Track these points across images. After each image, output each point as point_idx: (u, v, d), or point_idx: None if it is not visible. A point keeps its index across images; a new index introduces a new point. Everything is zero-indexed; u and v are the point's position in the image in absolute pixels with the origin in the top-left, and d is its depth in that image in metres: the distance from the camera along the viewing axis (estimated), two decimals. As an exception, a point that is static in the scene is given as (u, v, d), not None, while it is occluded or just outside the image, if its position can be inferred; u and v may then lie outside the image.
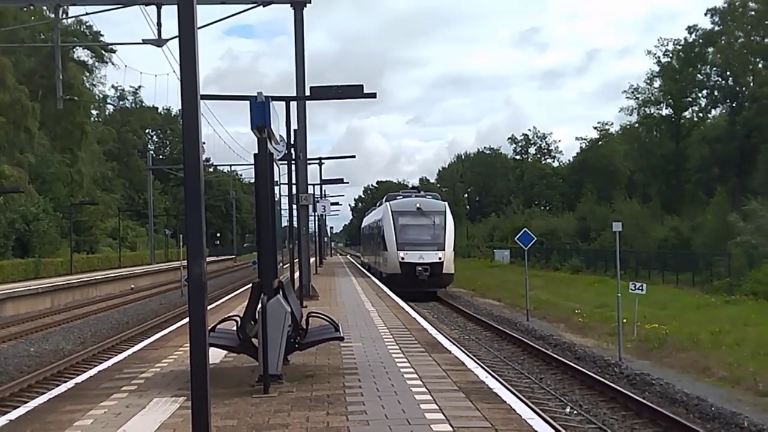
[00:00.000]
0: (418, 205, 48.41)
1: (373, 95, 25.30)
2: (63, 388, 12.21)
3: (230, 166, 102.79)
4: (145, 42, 31.60)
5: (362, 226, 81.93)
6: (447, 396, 10.47)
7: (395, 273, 44.87)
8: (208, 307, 6.85)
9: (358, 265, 70.34)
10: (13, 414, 10.40)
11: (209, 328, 9.98)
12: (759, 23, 74.02)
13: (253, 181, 12.64)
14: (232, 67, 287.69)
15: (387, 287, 35.86)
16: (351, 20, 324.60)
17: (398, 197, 53.52)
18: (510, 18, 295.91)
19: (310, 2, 30.66)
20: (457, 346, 15.85)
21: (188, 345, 6.22)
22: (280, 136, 21.54)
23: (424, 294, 43.31)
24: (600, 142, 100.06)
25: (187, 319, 6.60)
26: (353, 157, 67.07)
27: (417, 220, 47.15)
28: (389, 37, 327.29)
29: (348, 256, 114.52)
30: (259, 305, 11.28)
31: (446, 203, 50.60)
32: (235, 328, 12.03)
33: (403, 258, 44.86)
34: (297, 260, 27.96)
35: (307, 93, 28.06)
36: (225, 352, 13.19)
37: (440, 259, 44.84)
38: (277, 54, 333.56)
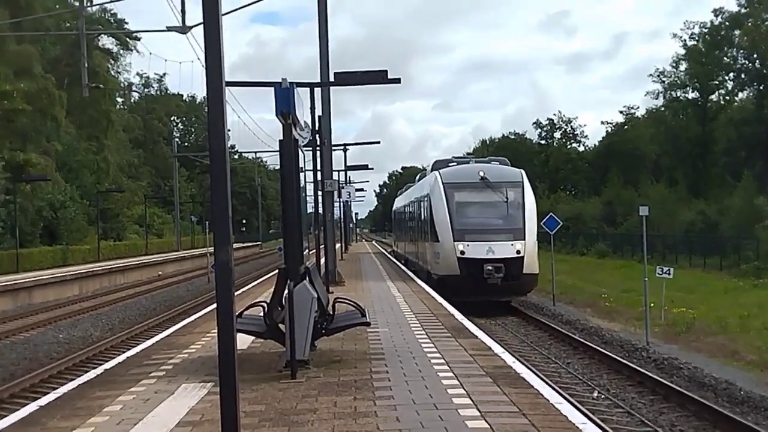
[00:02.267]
0: (482, 174, 32.88)
1: (397, 80, 25.28)
2: (92, 374, 12.29)
3: (255, 152, 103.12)
4: (169, 29, 31.68)
5: (395, 207, 64.72)
6: (474, 381, 10.46)
7: (451, 275, 30.73)
8: (235, 294, 6.88)
9: (389, 256, 57.74)
10: (44, 400, 10.47)
11: (236, 314, 10.03)
12: (787, 4, 73.26)
13: (278, 167, 12.66)
14: (259, 54, 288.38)
15: (439, 294, 24.38)
16: (377, 6, 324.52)
17: (451, 164, 37.34)
18: (537, 1, 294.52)
19: (334, -12, 30.58)
20: (483, 331, 15.82)
21: (215, 331, 6.25)
22: (305, 122, 21.52)
23: (493, 304, 31.15)
24: (626, 126, 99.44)
25: (214, 306, 6.64)
26: (378, 143, 68.84)
27: (482, 195, 32.43)
28: (415, 22, 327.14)
29: (373, 242, 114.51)
30: (286, 291, 11.30)
31: (522, 171, 34.59)
32: (262, 314, 12.06)
33: (463, 252, 30.64)
34: (323, 246, 28.00)
35: (332, 79, 28.04)
36: (252, 337, 13.22)
37: (519, 252, 30.48)
38: (303, 40, 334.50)
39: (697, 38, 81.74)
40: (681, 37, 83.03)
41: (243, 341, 13.34)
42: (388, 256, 58.50)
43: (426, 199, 35.43)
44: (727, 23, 79.00)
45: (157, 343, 15.49)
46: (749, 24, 75.90)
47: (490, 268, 30.00)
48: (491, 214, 32.09)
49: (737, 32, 78.09)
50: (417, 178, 50.89)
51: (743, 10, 77.05)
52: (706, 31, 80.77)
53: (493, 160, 39.35)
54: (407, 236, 48.50)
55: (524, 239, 30.84)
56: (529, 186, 33.18)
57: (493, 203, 32.25)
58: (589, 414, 13.27)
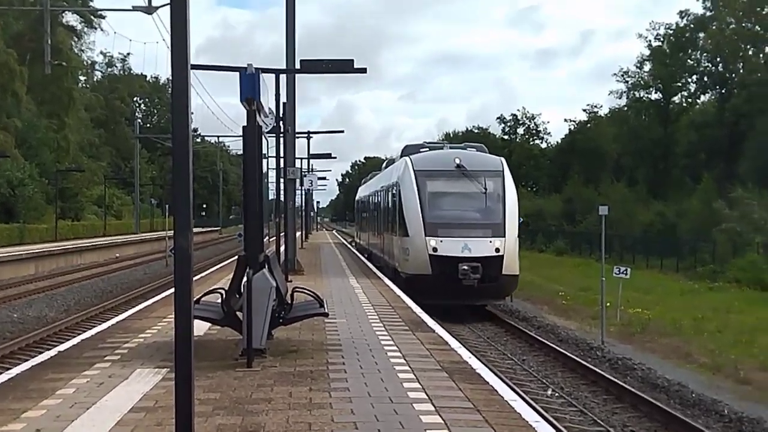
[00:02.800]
0: (458, 161, 29.49)
1: (363, 70, 25.20)
2: (46, 355, 12.17)
3: (218, 137, 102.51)
4: (135, 9, 31.49)
5: (358, 197, 61.30)
6: (430, 375, 10.46)
7: (421, 274, 27.55)
8: (193, 279, 6.82)
9: (351, 248, 55.11)
10: (-5, 381, 10.35)
11: (194, 300, 9.96)
12: (750, 10, 74.03)
13: (240, 153, 12.61)
14: (226, 37, 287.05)
15: (407, 295, 21.74)
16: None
17: (423, 150, 34.14)
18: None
19: (303, -25, 30.48)
20: (440, 325, 15.84)
21: (172, 316, 6.18)
22: (269, 108, 21.46)
23: (466, 309, 28.63)
24: (589, 125, 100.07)
25: (171, 290, 6.58)
26: (342, 132, 68.71)
27: (458, 185, 29.17)
28: (384, 12, 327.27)
29: (334, 232, 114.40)
30: (245, 279, 11.25)
31: (503, 159, 31.25)
32: (219, 301, 11.99)
33: (435, 249, 27.45)
34: (283, 234, 27.91)
35: (298, 66, 27.93)
36: (209, 324, 13.15)
37: (498, 251, 27.39)
38: (271, 26, 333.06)
39: (662, 39, 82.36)
40: (646, 37, 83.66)
41: (200, 328, 13.27)
42: (350, 247, 56.14)
43: (394, 188, 31.64)
44: (692, 26, 79.64)
45: (113, 326, 15.36)
46: (714, 27, 76.60)
47: (465, 267, 26.67)
48: (468, 207, 28.73)
49: (702, 35, 78.75)
50: (384, 165, 47.19)
51: (708, 13, 77.72)
52: (671, 32, 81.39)
53: (469, 146, 35.36)
54: (372, 228, 44.33)
55: (504, 236, 27.61)
56: (510, 176, 29.65)
57: (470, 194, 28.81)
58: (542, 412, 13.34)
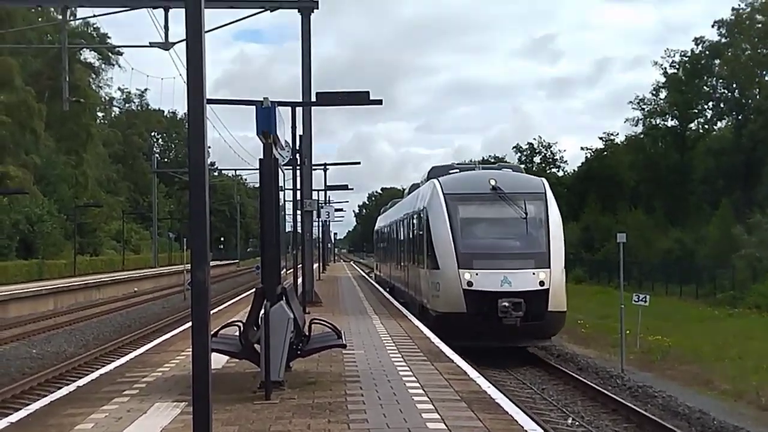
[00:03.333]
0: (493, 183, 26.06)
1: (378, 102, 25.26)
2: (64, 391, 12.19)
3: (235, 170, 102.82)
4: (152, 45, 31.61)
5: (378, 227, 57.07)
6: (449, 405, 10.43)
7: (455, 312, 24.11)
8: (211, 312, 6.83)
9: (370, 279, 53.19)
10: (15, 416, 10.37)
11: (212, 333, 9.97)
12: (766, 35, 73.91)
13: (257, 185, 12.64)
14: (243, 71, 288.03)
15: (438, 336, 19.18)
16: (361, 27, 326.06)
17: (452, 171, 30.25)
18: (522, 26, 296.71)
19: (317, 8, 30.65)
20: (459, 355, 15.79)
21: (190, 350, 6.19)
22: (286, 141, 21.55)
23: (506, 351, 24.95)
24: (605, 153, 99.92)
25: (189, 324, 6.58)
26: (358, 163, 68.59)
27: (494, 210, 25.83)
28: (399, 44, 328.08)
29: (351, 263, 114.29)
30: (262, 311, 11.25)
31: (544, 180, 28.07)
32: (237, 334, 12.00)
33: (470, 284, 24.04)
34: (300, 266, 27.94)
35: (314, 99, 28.03)
36: (227, 357, 13.14)
37: (543, 284, 24.06)
38: (287, 59, 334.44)
39: (677, 67, 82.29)
40: (662, 65, 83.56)
41: (218, 361, 13.26)
42: (369, 279, 54.63)
43: (421, 214, 27.96)
44: (707, 52, 79.57)
45: (131, 360, 15.38)
46: (729, 54, 76.49)
47: (506, 304, 23.26)
48: (506, 234, 25.41)
49: (717, 61, 78.67)
50: (407, 190, 42.46)
51: (723, 40, 77.64)
52: (686, 59, 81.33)
53: (503, 166, 32.23)
54: (394, 260, 40.21)
55: (549, 267, 24.21)
56: (554, 199, 26.34)
57: (509, 220, 25.44)
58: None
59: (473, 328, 23.53)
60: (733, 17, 75.98)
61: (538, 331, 24.54)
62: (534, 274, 24.04)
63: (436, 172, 30.09)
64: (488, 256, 24.46)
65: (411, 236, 31.44)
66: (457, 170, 30.13)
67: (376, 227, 59.27)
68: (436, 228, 25.66)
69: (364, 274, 64.35)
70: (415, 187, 36.16)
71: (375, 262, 65.59)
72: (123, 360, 15.66)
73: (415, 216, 30.09)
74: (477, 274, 23.95)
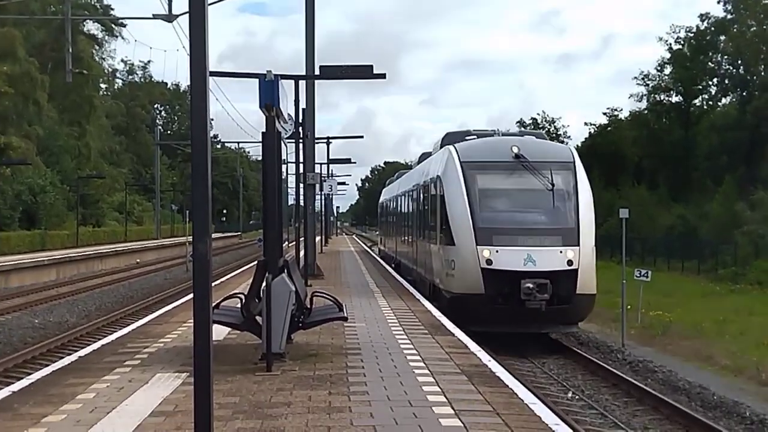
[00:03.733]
0: (516, 150, 23.24)
1: (382, 76, 25.22)
2: (66, 360, 12.24)
3: (238, 143, 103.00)
4: (155, 17, 31.62)
5: (383, 199, 53.52)
6: (449, 379, 10.47)
7: (472, 293, 21.54)
8: (213, 284, 6.86)
9: (374, 255, 50.86)
10: (17, 386, 10.42)
11: (213, 305, 10.02)
12: (772, 12, 73.61)
13: (260, 158, 12.65)
14: (248, 44, 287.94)
15: (452, 320, 17.41)
16: (366, 1, 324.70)
17: (468, 138, 27.30)
18: (528, 0, 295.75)
19: (321, -20, 30.54)
20: (460, 328, 15.83)
21: (192, 321, 6.22)
22: (289, 114, 21.56)
23: (528, 337, 22.76)
24: (609, 128, 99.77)
25: (191, 295, 6.61)
26: (361, 137, 67.19)
27: (518, 180, 23.20)
28: (404, 18, 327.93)
29: (354, 237, 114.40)
30: (264, 283, 11.28)
31: (572, 148, 27.12)
32: (239, 306, 12.05)
33: (490, 262, 21.44)
34: (302, 239, 27.99)
35: (317, 72, 27.99)
36: (228, 329, 13.19)
37: (571, 263, 21.47)
38: (291, 32, 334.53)
39: (682, 42, 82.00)
40: (666, 41, 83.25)
41: (219, 332, 13.31)
42: (372, 254, 52.37)
43: (434, 185, 25.16)
44: (712, 29, 79.26)
45: (133, 331, 15.43)
46: (734, 30, 76.21)
47: (530, 285, 20.59)
48: (531, 207, 22.69)
49: (723, 38, 78.39)
50: (417, 160, 39.12)
51: (729, 16, 77.33)
52: (691, 35, 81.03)
53: (525, 133, 30.53)
54: (401, 235, 37.17)
55: (578, 244, 21.57)
56: (583, 169, 23.70)
57: (534, 192, 22.74)
58: (562, 415, 13.30)
59: (493, 312, 21.01)
60: (739, -7, 75.65)
61: (565, 316, 21.88)
62: (561, 252, 21.40)
63: (450, 139, 27.04)
64: (510, 231, 21.78)
65: (422, 209, 28.51)
66: (475, 137, 27.01)
67: (380, 200, 55.63)
68: (451, 200, 22.86)
69: (367, 249, 63.13)
70: (425, 156, 33.18)
71: (379, 237, 61.89)
72: (125, 330, 15.72)
73: (426, 187, 27.13)
74: (497, 252, 21.24)
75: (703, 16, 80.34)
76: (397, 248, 39.26)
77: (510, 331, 21.51)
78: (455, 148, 24.14)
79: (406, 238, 34.19)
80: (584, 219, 22.25)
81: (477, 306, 21.05)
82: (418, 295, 22.74)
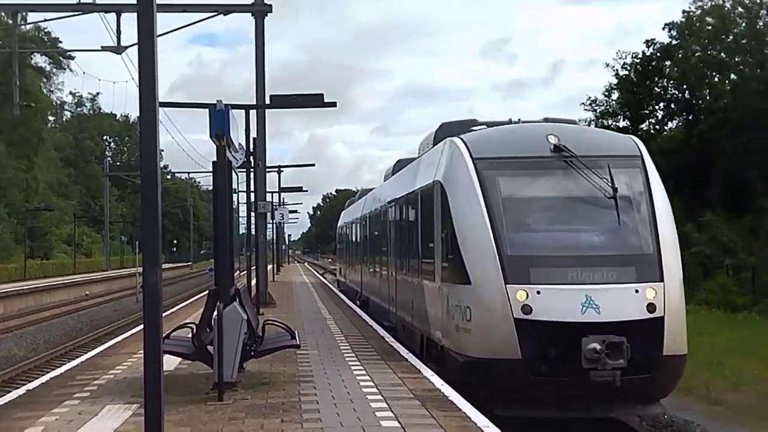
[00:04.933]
0: (554, 140, 15.13)
1: (333, 104, 25.33)
2: (14, 394, 12.07)
3: (189, 173, 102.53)
4: (104, 49, 31.42)
5: (344, 222, 44.81)
6: (403, 404, 10.47)
7: (500, 359, 13.25)
8: (164, 314, 6.83)
9: (330, 285, 45.78)
10: (-37, 421, 10.26)
11: (164, 335, 9.95)
12: (715, 37, 74.87)
13: (211, 188, 12.64)
14: (199, 75, 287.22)
15: (468, 398, 11.37)
16: (317, 31, 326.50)
17: (475, 128, 18.06)
18: (478, 30, 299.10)
19: (270, 11, 30.62)
20: (413, 354, 15.84)
21: (142, 352, 6.20)
22: (240, 144, 21.53)
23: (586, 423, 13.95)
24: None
25: (142, 326, 6.58)
26: (312, 165, 67.37)
27: (558, 183, 15.05)
28: (356, 48, 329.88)
29: (306, 264, 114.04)
30: (215, 312, 11.24)
31: (635, 139, 16.61)
32: (190, 335, 11.98)
33: (528, 309, 13.22)
34: (254, 267, 27.91)
35: (267, 101, 28.02)
36: (180, 359, 13.10)
37: (653, 309, 13.43)
38: (243, 62, 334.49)
39: (629, 68, 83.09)
40: (614, 66, 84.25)
41: (170, 362, 13.21)
42: (329, 285, 46.88)
43: (430, 196, 16.61)
44: (658, 54, 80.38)
45: (83, 363, 15.26)
46: (679, 56, 77.38)
47: (596, 346, 12.92)
48: (585, 224, 14.81)
49: (668, 63, 79.57)
50: (387, 171, 30.28)
51: (674, 42, 78.55)
52: (638, 61, 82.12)
53: (551, 120, 18.52)
54: (370, 265, 28.74)
55: (661, 279, 13.92)
56: (654, 168, 16.12)
57: (587, 201, 14.86)
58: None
59: (533, 387, 13.21)
60: (684, 19, 76.94)
61: (646, 391, 13.79)
62: (638, 291, 13.60)
63: (450, 130, 18.16)
64: (557, 261, 13.79)
65: (406, 231, 20.26)
66: (484, 127, 17.99)
67: (340, 223, 47.51)
68: (461, 215, 14.65)
69: (322, 278, 57.31)
70: (402, 164, 25.07)
71: (338, 267, 52.27)
72: (74, 363, 15.54)
73: (414, 200, 18.74)
74: (538, 293, 13.31)
75: (648, 42, 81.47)
76: (364, 281, 31.31)
77: (562, 417, 13.50)
78: (463, 140, 15.69)
79: (379, 269, 25.83)
80: (666, 240, 14.63)
81: (509, 378, 13.25)
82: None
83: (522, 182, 15.13)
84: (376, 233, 27.42)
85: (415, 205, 18.67)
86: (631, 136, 17.44)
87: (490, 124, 18.33)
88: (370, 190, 35.05)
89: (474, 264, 13.99)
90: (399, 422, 9.36)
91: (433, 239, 15.92)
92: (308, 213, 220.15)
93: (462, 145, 15.46)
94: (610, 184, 14.65)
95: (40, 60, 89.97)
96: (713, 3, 74.82)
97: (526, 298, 13.24)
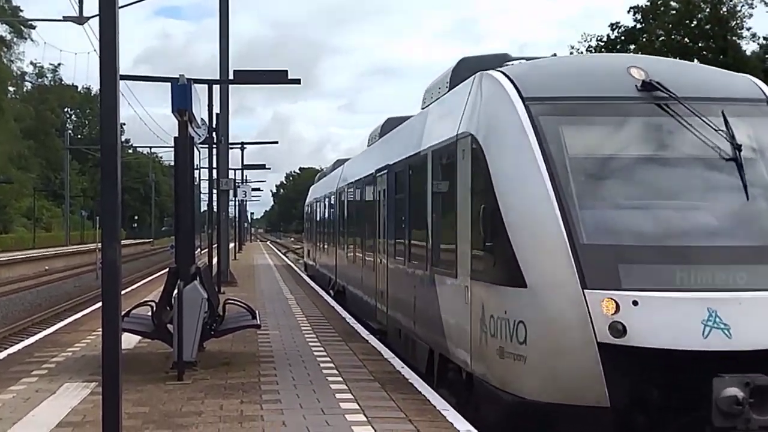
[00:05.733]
0: (641, 75, 9.89)
1: (297, 81, 25.20)
2: (-30, 371, 11.94)
3: (150, 148, 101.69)
4: (66, 19, 31.04)
5: (314, 198, 38.78)
6: (362, 386, 10.46)
7: (575, 405, 8.31)
8: (124, 292, 6.76)
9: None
10: None
11: (123, 313, 9.86)
12: (679, 22, 75.43)
13: (173, 164, 12.54)
14: (165, 47, 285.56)
15: None
16: (285, 7, 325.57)
17: (509, 63, 11.62)
18: (447, 9, 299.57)
19: (235, -15, 30.39)
20: (374, 335, 15.84)
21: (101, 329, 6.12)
22: (202, 119, 21.37)
23: None
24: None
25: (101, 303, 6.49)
26: (276, 142, 68.09)
27: (653, 138, 9.71)
28: (323, 24, 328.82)
29: (268, 243, 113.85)
30: (176, 291, 11.15)
31: (754, 79, 10.91)
32: (150, 314, 11.89)
33: (621, 329, 8.26)
34: (215, 245, 27.77)
35: (231, 77, 27.82)
36: (139, 337, 13.00)
37: None
38: (209, 36, 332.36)
39: (593, 51, 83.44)
40: (578, 49, 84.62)
41: (130, 341, 13.12)
42: (291, 264, 45.81)
43: (453, 154, 11.32)
44: (622, 38, 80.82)
45: (41, 340, 15.13)
46: (644, 39, 77.84)
47: (735, 394, 8.00)
48: (697, 197, 9.67)
49: (632, 47, 80.00)
50: (374, 132, 23.25)
51: (639, 26, 78.99)
52: (602, 44, 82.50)
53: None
54: (353, 249, 22.76)
55: None
56: None
57: (697, 162, 9.72)
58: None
59: None
60: (648, 3, 77.35)
61: None
62: None
63: (474, 65, 12.47)
64: (658, 254, 8.97)
65: (407, 205, 14.89)
66: (524, 59, 12.70)
67: (310, 199, 41.65)
68: (509, 181, 9.71)
69: (286, 259, 54.78)
70: (393, 123, 19.64)
71: (306, 248, 45.68)
72: (32, 339, 15.42)
73: (425, 162, 13.26)
74: (635, 304, 8.50)
75: (613, 26, 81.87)
76: (340, 267, 26.18)
77: None
78: (506, 74, 10.48)
79: (362, 254, 20.66)
80: None
81: None
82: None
83: (598, 134, 10.01)
84: (359, 209, 22.07)
85: (421, 171, 13.34)
86: (749, 76, 11.59)
87: (529, 59, 12.44)
88: (346, 160, 30.10)
89: (531, 256, 9.01)
90: (359, 404, 9.34)
91: (456, 216, 10.86)
92: (271, 191, 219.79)
93: (506, 81, 10.21)
94: (728, 139, 9.64)
95: (0, 29, 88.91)
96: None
97: (616, 311, 8.38)
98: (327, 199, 31.47)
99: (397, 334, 15.06)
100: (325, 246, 31.76)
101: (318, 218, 36.11)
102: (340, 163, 32.17)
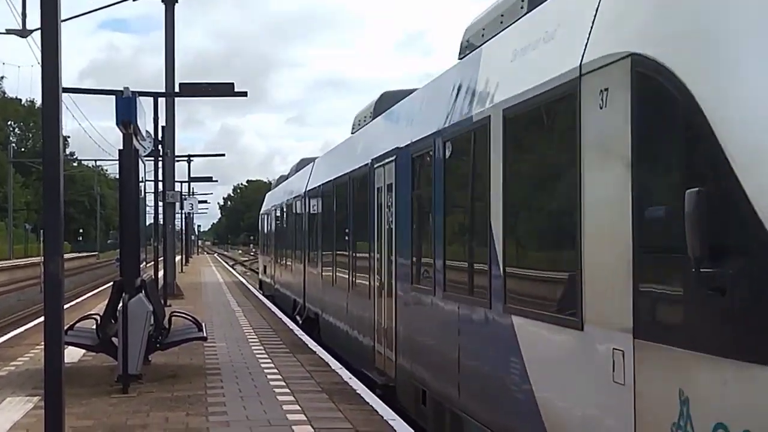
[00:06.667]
0: None
1: (243, 93, 25.08)
2: None
3: (95, 161, 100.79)
4: (8, 32, 30.70)
5: (272, 205, 33.58)
6: (310, 397, 10.47)
7: None
8: (67, 306, 6.72)
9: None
10: None
11: (68, 326, 9.80)
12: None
13: (118, 177, 12.49)
14: (111, 60, 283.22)
15: None
16: (234, 21, 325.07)
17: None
18: (397, 21, 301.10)
19: (179, -1, 30.31)
20: (321, 347, 15.84)
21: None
22: (147, 132, 21.21)
23: None
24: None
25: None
26: (223, 155, 66.99)
27: None
28: (272, 37, 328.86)
29: (216, 256, 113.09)
30: (120, 304, 11.09)
31: None
32: (94, 327, 11.82)
33: None
34: (161, 258, 27.56)
35: (177, 89, 27.67)
36: (84, 351, 12.89)
37: None
38: (156, 49, 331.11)
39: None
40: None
41: (75, 354, 13.00)
42: (240, 278, 43.78)
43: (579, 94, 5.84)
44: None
45: (-17, 355, 14.93)
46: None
47: None
48: None
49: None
50: (370, 110, 16.66)
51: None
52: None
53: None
54: (331, 267, 17.79)
55: None
56: None
57: None
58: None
59: None
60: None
61: None
62: None
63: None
64: None
65: (439, 206, 9.68)
66: None
67: (266, 207, 36.87)
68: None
69: (240, 277, 46.86)
70: (389, 99, 14.98)
71: (262, 264, 39.61)
72: (-26, 354, 15.20)
73: (484, 135, 7.92)
74: None
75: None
76: (310, 289, 21.51)
77: None
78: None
79: (354, 274, 15.23)
80: None
81: None
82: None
83: None
84: (342, 214, 16.96)
85: (463, 152, 8.97)
86: None
87: None
88: (313, 159, 25.13)
89: None
90: (306, 416, 9.35)
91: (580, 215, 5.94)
92: (219, 204, 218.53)
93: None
94: None
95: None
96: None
97: None
98: (290, 206, 26.63)
99: (416, 394, 10.42)
100: (287, 261, 27.12)
101: (277, 228, 31.28)
102: (305, 162, 26.77)
